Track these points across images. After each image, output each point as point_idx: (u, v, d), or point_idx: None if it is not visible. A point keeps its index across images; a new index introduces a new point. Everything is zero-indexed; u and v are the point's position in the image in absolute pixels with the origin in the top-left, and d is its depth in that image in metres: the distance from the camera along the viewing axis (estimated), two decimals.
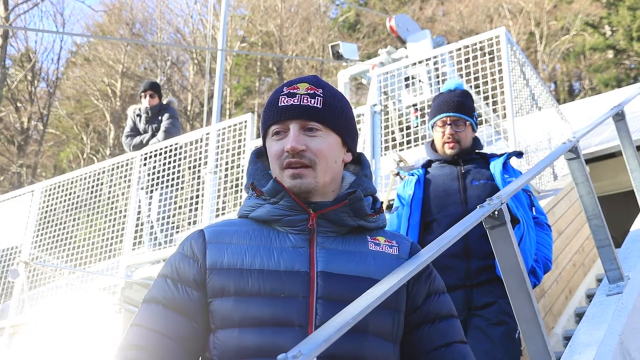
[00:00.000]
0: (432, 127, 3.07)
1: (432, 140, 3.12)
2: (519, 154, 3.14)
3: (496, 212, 1.89)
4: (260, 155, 1.53)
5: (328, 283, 1.33)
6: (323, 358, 1.20)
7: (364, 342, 1.31)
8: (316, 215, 1.39)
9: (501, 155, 3.04)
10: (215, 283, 1.34)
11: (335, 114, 1.43)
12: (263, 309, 1.29)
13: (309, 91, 1.42)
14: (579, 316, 4.32)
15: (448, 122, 2.98)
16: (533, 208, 2.97)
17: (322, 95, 1.43)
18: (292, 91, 1.42)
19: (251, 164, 1.51)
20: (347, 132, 1.46)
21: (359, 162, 1.53)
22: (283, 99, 1.42)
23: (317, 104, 1.41)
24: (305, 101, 1.41)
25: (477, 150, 3.08)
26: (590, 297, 4.76)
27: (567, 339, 3.91)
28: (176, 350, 1.31)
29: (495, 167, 2.94)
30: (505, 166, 2.97)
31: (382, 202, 1.52)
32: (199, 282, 1.35)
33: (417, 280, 1.43)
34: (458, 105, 2.98)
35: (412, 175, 3.04)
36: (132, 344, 1.30)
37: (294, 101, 1.41)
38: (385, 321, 1.35)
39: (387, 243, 1.45)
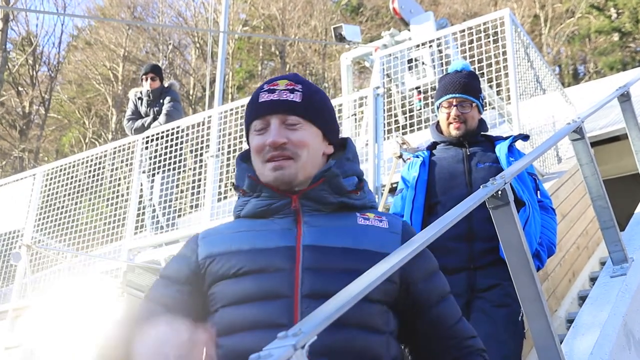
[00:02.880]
0: (438, 108, 3.03)
1: (437, 122, 3.09)
2: (525, 137, 3.11)
3: (499, 192, 1.88)
4: (245, 158, 1.57)
5: (313, 255, 1.37)
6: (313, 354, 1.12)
7: (347, 335, 1.30)
8: (297, 196, 1.44)
9: (507, 138, 3.01)
10: (211, 270, 1.43)
11: (314, 108, 1.48)
12: (252, 285, 1.37)
13: (288, 87, 1.47)
14: (582, 299, 4.30)
15: (454, 104, 2.95)
16: (538, 192, 2.94)
17: (300, 90, 1.47)
18: (271, 87, 1.48)
19: (237, 166, 1.57)
20: (327, 125, 1.51)
21: (343, 148, 1.55)
22: (263, 95, 1.47)
23: (296, 99, 1.46)
24: (284, 96, 1.46)
25: (482, 133, 3.05)
26: (593, 280, 4.74)
27: (570, 321, 3.90)
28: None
29: (501, 149, 2.91)
30: (511, 149, 2.93)
31: (367, 182, 1.59)
32: (191, 277, 1.45)
33: (411, 264, 1.38)
34: (464, 86, 2.95)
35: (417, 157, 3.01)
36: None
37: (273, 97, 1.46)
38: (370, 313, 1.35)
39: (376, 218, 1.48)
